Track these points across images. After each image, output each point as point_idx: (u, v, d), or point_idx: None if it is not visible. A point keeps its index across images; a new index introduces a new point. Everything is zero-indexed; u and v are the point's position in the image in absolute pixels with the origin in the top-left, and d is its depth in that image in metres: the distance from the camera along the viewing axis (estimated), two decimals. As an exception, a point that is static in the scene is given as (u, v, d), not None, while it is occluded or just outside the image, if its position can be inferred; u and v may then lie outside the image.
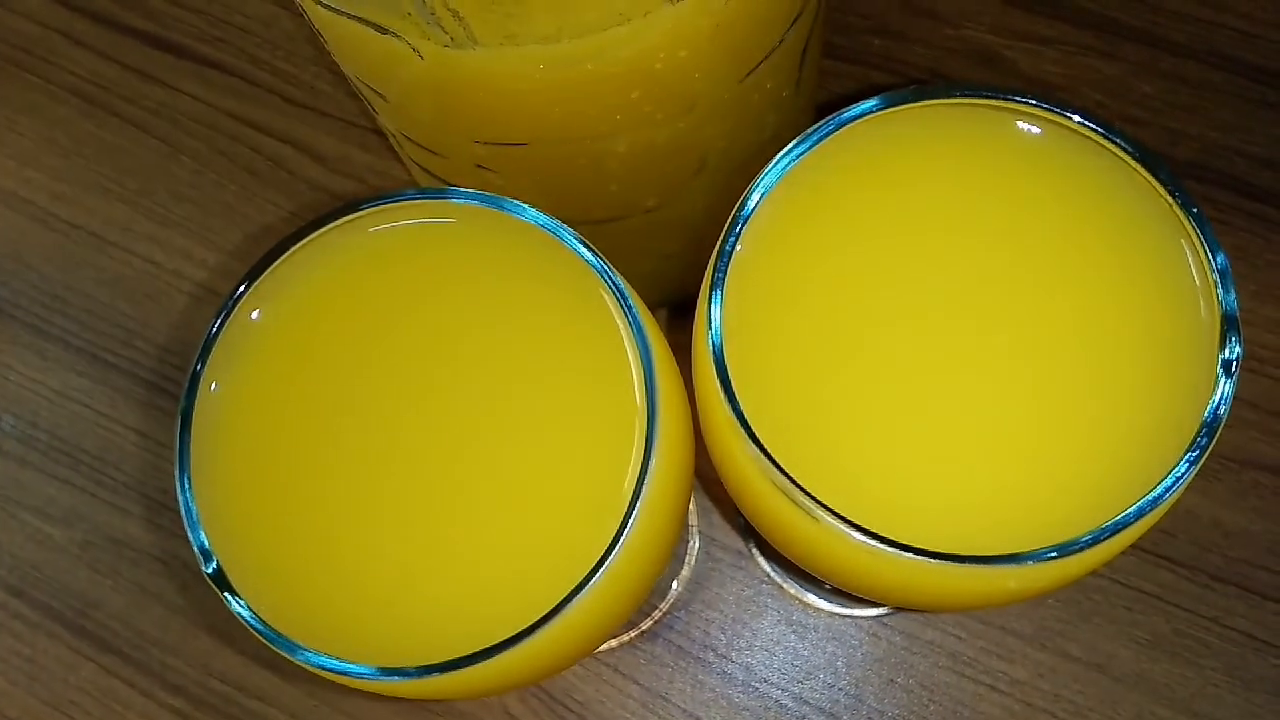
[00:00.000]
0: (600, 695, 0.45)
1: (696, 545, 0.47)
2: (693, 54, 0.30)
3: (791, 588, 0.45)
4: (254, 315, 0.26)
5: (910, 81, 0.52)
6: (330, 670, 0.22)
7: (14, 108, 0.57)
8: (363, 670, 0.22)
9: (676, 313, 0.49)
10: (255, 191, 0.54)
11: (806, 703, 0.44)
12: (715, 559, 0.47)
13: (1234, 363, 0.22)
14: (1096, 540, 0.21)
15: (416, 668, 0.21)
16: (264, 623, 0.22)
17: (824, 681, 0.44)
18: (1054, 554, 0.21)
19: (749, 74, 0.33)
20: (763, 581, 0.46)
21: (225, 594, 0.23)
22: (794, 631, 0.45)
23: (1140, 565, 0.44)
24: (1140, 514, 0.21)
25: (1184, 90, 0.51)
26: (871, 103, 0.25)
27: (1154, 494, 0.21)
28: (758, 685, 0.44)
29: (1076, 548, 0.21)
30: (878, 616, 0.45)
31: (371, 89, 0.33)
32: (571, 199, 0.36)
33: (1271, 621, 0.43)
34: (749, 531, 0.46)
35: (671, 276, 0.46)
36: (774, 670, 0.45)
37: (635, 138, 0.33)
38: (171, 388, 0.51)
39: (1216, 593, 0.44)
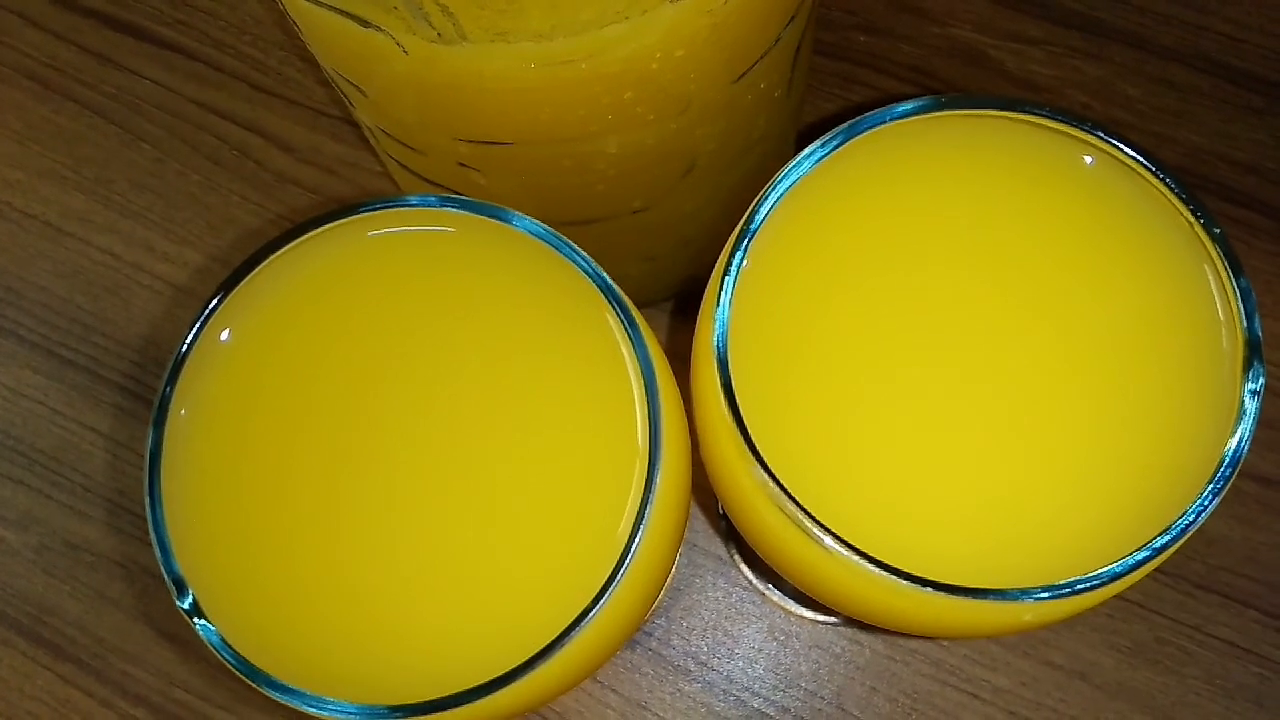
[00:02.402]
0: (579, 705, 0.44)
1: (679, 552, 0.46)
2: (689, 53, 0.29)
3: (774, 595, 0.45)
4: (227, 331, 0.24)
5: (897, 79, 0.51)
6: (311, 709, 0.21)
7: (-36, 90, 0.54)
8: (344, 709, 0.20)
9: (662, 314, 0.48)
10: (220, 182, 0.52)
11: (788, 711, 0.43)
12: (697, 565, 0.46)
13: (1258, 391, 0.21)
14: (1116, 576, 0.20)
15: (402, 706, 0.20)
16: (242, 658, 0.21)
17: (806, 690, 0.44)
18: (1075, 588, 0.20)
19: (743, 74, 0.32)
20: (744, 588, 0.45)
21: (199, 623, 0.21)
22: (776, 639, 0.44)
23: (1123, 573, 0.44)
24: (1163, 548, 0.21)
25: (1170, 94, 0.50)
26: (882, 115, 0.23)
27: (1177, 526, 0.21)
28: (739, 694, 0.44)
29: (1096, 582, 0.20)
30: (860, 624, 0.44)
31: (350, 84, 0.32)
32: (557, 199, 0.35)
33: (1253, 630, 0.43)
34: (731, 536, 0.46)
35: (657, 279, 0.45)
36: (755, 679, 0.44)
37: (625, 139, 0.32)
38: (132, 385, 0.49)
39: (1198, 601, 0.44)
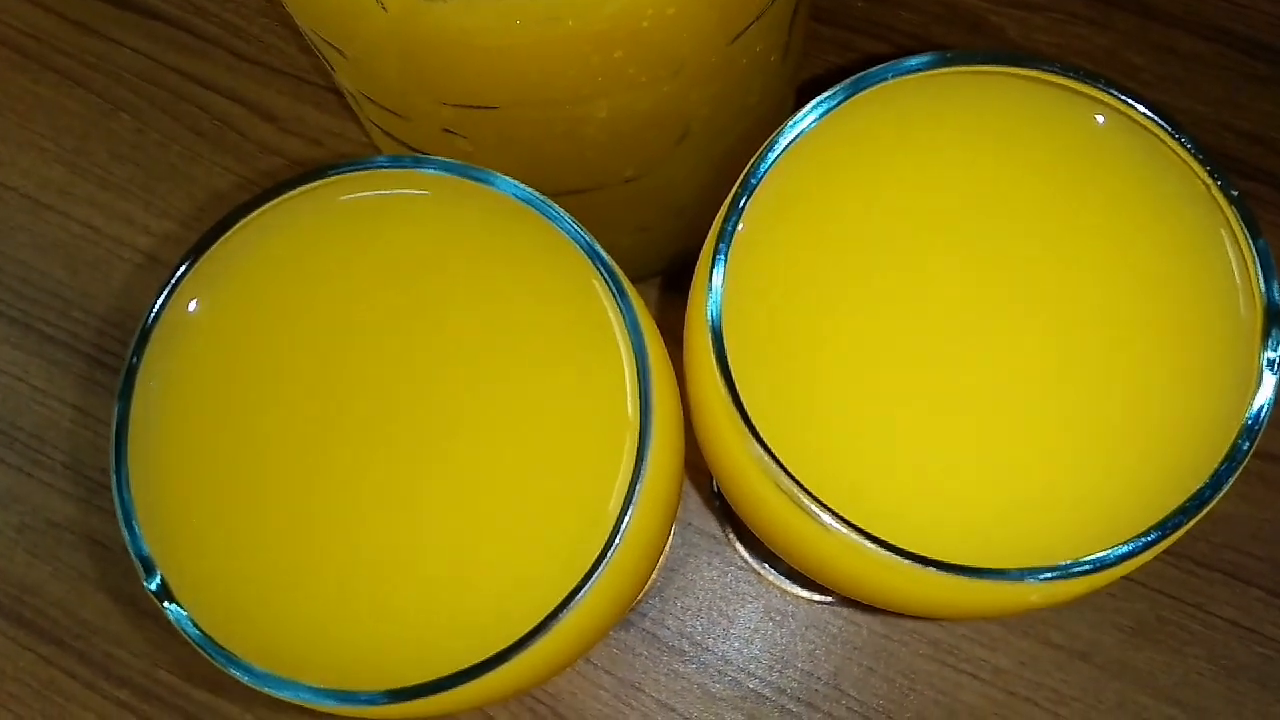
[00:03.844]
0: (572, 687, 0.43)
1: (673, 531, 0.45)
2: (681, 11, 0.28)
3: (770, 574, 0.44)
4: (195, 300, 0.23)
5: (896, 47, 0.50)
6: (285, 696, 0.20)
7: (-61, 59, 0.53)
8: (318, 695, 0.20)
9: (651, 287, 0.47)
10: (201, 153, 0.51)
11: (784, 692, 0.43)
12: (691, 544, 0.45)
13: (1278, 361, 0.20)
14: (1132, 554, 0.19)
15: (381, 692, 0.19)
16: (210, 640, 0.20)
17: (802, 670, 0.43)
18: (1086, 568, 0.19)
19: (738, 36, 0.31)
20: (740, 568, 0.44)
21: (169, 607, 0.20)
22: (772, 619, 0.44)
23: (1125, 551, 0.43)
24: (1176, 525, 0.20)
25: (1174, 62, 0.49)
26: (882, 71, 0.22)
27: (1193, 503, 0.20)
28: (734, 674, 0.43)
29: (1109, 561, 0.19)
30: (857, 603, 0.43)
31: (329, 44, 0.30)
32: (546, 168, 0.34)
33: (1256, 608, 0.42)
34: (726, 514, 0.45)
35: (648, 250, 0.44)
36: (751, 659, 0.43)
37: (616, 102, 0.31)
38: (113, 361, 0.48)
39: (1201, 579, 0.43)
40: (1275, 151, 0.48)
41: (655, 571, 0.44)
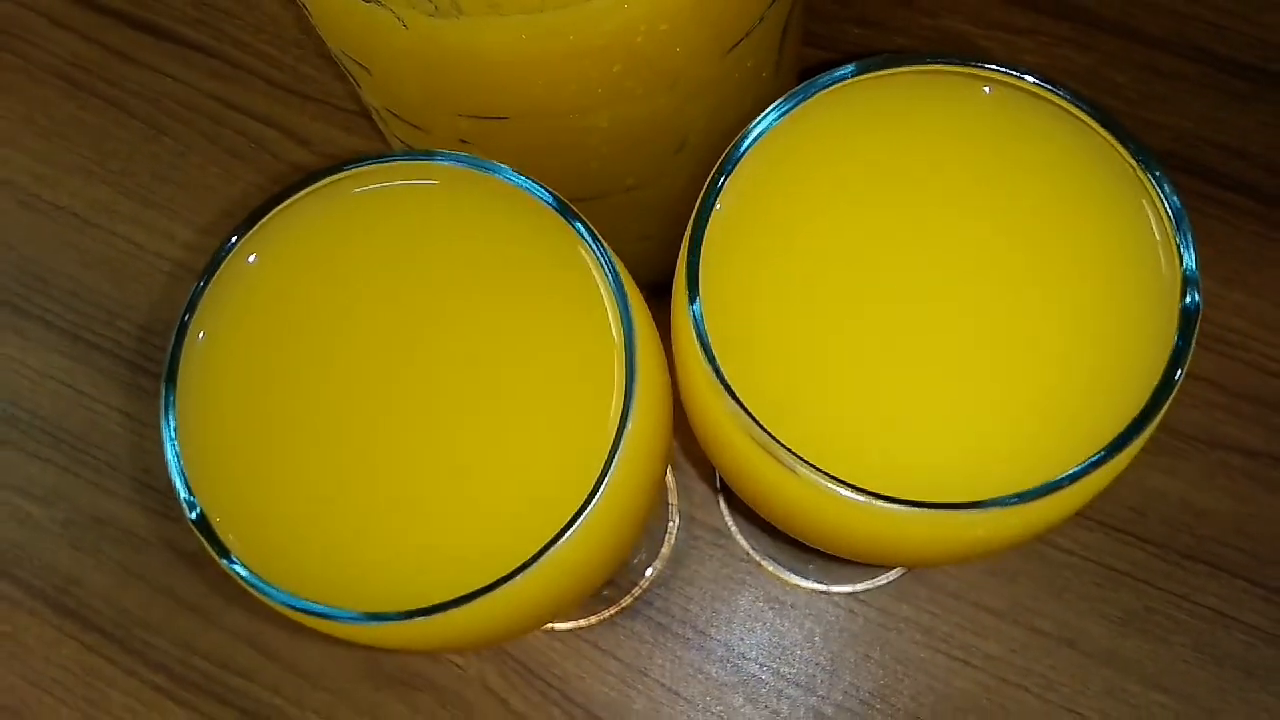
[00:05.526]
0: (580, 670, 0.45)
1: (677, 524, 0.47)
2: (674, 28, 0.31)
3: (770, 565, 0.46)
4: (247, 262, 0.27)
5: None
6: (314, 614, 0.22)
7: (-4, 88, 0.57)
8: (346, 615, 0.22)
9: (655, 293, 0.50)
10: (238, 173, 0.54)
11: (784, 677, 0.45)
12: (695, 537, 0.47)
13: (1194, 313, 0.23)
14: (1059, 486, 0.22)
15: (401, 612, 0.22)
16: (249, 569, 0.22)
17: (801, 656, 0.45)
18: (1015, 500, 0.22)
19: (730, 50, 0.34)
20: (742, 560, 0.46)
21: (207, 540, 0.23)
22: (772, 608, 0.46)
23: (1111, 543, 0.45)
24: (1100, 463, 0.22)
25: (1157, 81, 0.51)
26: (845, 70, 0.25)
27: (1114, 443, 0.22)
28: (736, 660, 0.45)
29: (1038, 493, 0.22)
30: (853, 593, 0.45)
31: (356, 62, 0.34)
32: (552, 175, 0.36)
33: (1239, 598, 0.44)
34: (729, 507, 0.47)
35: (650, 259, 0.46)
36: (752, 646, 0.45)
37: (617, 113, 0.34)
38: (153, 367, 0.51)
39: (1186, 570, 0.45)
40: (1255, 165, 0.50)
41: (660, 563, 0.46)
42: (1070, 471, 0.22)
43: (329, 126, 0.54)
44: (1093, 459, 0.22)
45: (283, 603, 0.22)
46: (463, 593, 0.22)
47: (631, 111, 0.34)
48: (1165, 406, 0.22)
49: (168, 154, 0.55)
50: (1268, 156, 0.49)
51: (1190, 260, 0.23)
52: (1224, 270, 0.48)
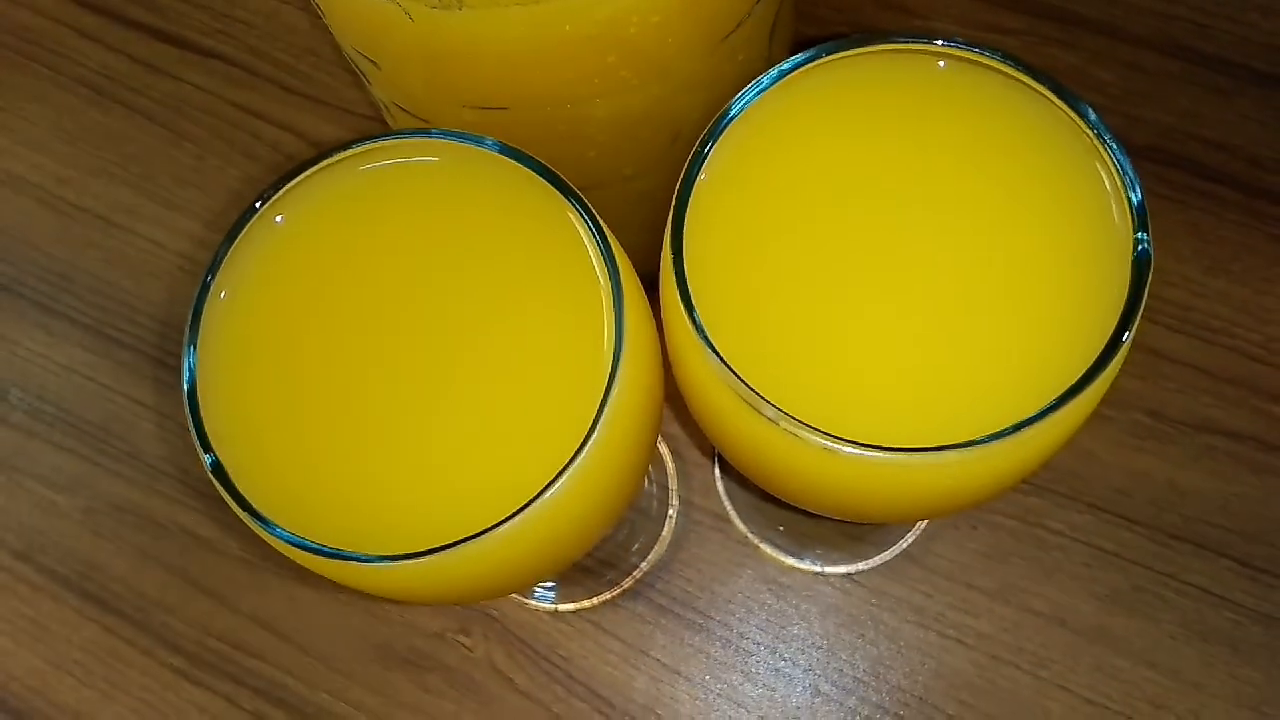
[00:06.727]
0: (583, 650, 0.47)
1: (676, 509, 0.49)
2: (665, 19, 0.33)
3: (768, 548, 0.47)
4: (273, 222, 0.29)
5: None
6: (321, 554, 0.24)
7: (24, 97, 0.59)
8: (350, 555, 0.24)
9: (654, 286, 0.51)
10: (255, 176, 0.56)
11: (782, 656, 0.46)
12: (695, 522, 0.48)
13: (1145, 259, 0.24)
14: (1019, 428, 0.23)
15: (408, 553, 0.23)
16: (264, 517, 0.24)
17: (798, 636, 0.46)
18: (984, 441, 0.23)
19: (720, 43, 0.36)
20: (740, 543, 0.48)
21: (220, 484, 0.25)
22: (770, 589, 0.47)
23: (1100, 524, 0.46)
24: (1056, 406, 0.23)
25: (1141, 78, 0.53)
26: (822, 48, 0.27)
27: (1074, 384, 0.24)
28: (735, 641, 0.46)
29: (1006, 434, 0.23)
30: (849, 574, 0.47)
31: (366, 58, 0.36)
32: (553, 165, 0.38)
33: (1225, 577, 0.45)
34: (728, 493, 0.48)
35: (651, 249, 0.48)
36: (752, 626, 0.46)
37: (612, 103, 0.36)
38: (172, 360, 0.53)
39: (1173, 550, 0.46)
40: (1237, 157, 0.51)
41: (661, 546, 0.48)
42: (1036, 412, 0.23)
43: (342, 130, 0.57)
44: (1057, 399, 0.23)
45: (290, 542, 0.24)
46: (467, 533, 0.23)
47: (626, 102, 0.36)
48: (1127, 340, 0.23)
49: (187, 158, 0.57)
50: (1249, 149, 0.51)
51: (1137, 204, 0.24)
52: (1208, 259, 0.49)
